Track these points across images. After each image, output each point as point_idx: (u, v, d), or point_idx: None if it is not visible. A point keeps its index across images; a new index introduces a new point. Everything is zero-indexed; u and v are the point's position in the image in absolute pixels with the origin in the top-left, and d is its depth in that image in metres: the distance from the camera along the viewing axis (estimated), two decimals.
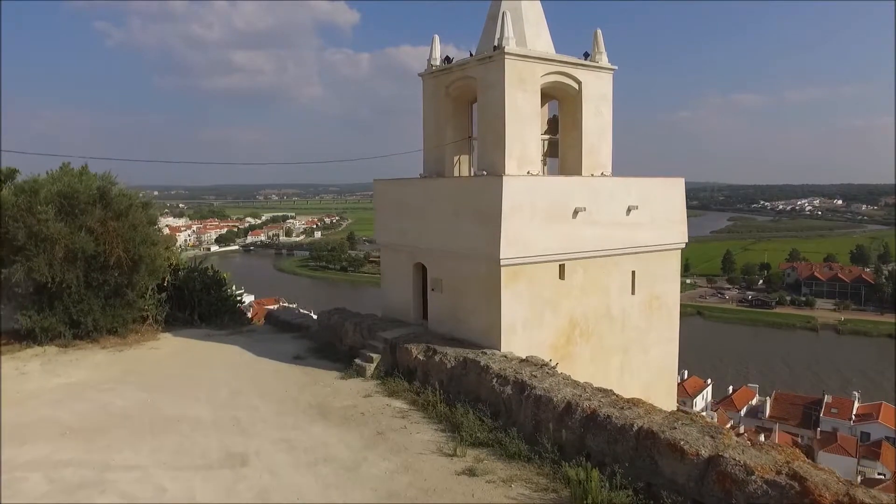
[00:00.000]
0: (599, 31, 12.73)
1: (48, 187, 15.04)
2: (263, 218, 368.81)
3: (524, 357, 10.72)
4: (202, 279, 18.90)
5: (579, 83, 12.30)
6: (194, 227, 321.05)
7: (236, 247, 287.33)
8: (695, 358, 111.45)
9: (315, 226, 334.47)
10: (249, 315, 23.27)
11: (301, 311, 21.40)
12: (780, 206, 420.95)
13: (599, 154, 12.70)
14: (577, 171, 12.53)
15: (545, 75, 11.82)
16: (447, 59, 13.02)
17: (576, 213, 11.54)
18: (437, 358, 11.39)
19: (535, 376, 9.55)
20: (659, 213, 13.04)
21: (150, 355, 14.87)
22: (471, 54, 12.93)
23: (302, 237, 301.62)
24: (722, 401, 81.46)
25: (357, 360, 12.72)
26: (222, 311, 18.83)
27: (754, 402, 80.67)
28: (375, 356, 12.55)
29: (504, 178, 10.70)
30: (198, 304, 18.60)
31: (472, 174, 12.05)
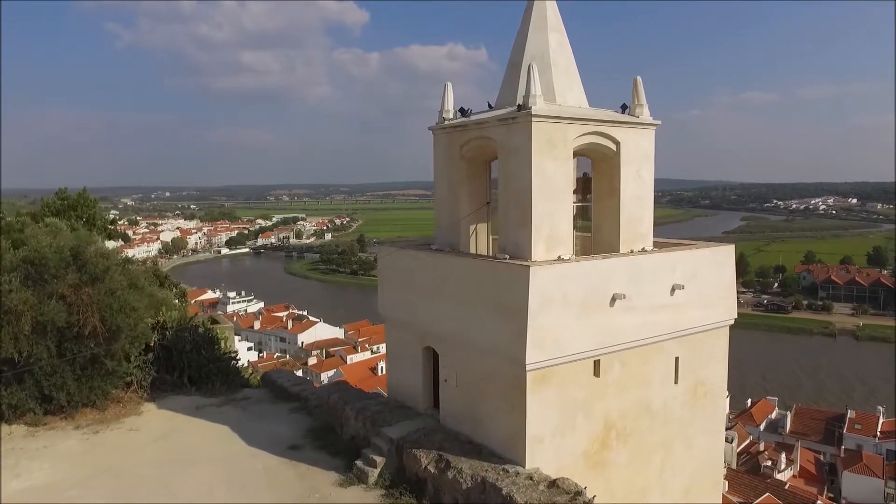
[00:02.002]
0: (639, 80, 10.93)
1: (11, 255, 13.43)
2: (274, 220, 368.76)
3: (553, 479, 8.98)
4: (192, 338, 17.25)
5: (617, 143, 10.50)
6: (205, 230, 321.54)
7: (247, 249, 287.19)
8: None
9: (325, 227, 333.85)
10: (246, 368, 21.72)
11: (298, 374, 19.66)
12: (794, 206, 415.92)
13: (640, 225, 10.89)
14: (613, 246, 10.74)
15: (579, 137, 10.03)
16: (462, 111, 11.26)
17: (614, 300, 9.77)
18: (450, 474, 9.66)
19: None
20: (706, 288, 11.25)
21: (128, 441, 13.20)
22: (489, 105, 11.16)
23: (312, 239, 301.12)
24: (741, 414, 79.15)
25: (358, 463, 11.01)
26: (214, 373, 17.16)
27: (774, 415, 78.33)
28: (380, 459, 10.83)
29: (531, 267, 8.95)
30: (187, 365, 16.96)
31: (492, 254, 10.29)
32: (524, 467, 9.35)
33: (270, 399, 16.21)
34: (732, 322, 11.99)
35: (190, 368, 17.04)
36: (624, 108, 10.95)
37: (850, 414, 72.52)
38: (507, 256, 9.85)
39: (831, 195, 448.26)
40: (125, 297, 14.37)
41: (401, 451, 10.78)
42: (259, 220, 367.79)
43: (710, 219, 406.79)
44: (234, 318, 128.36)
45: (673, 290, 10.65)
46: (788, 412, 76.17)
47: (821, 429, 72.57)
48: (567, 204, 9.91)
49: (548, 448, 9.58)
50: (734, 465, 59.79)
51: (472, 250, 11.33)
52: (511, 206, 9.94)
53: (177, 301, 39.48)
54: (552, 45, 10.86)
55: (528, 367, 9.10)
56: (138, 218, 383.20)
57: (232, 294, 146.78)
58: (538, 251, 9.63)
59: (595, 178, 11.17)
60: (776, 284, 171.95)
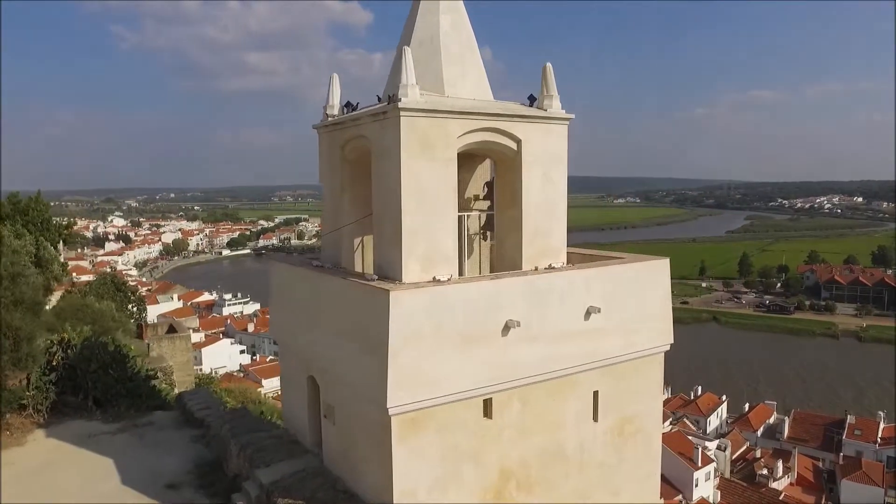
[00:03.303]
0: (550, 67, 9.32)
1: None
2: (276, 221, 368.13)
3: None
4: (99, 356, 15.77)
5: (518, 141, 8.91)
6: (206, 231, 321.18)
7: (248, 251, 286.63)
8: (710, 369, 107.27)
9: None
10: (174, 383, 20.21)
11: (214, 395, 18.16)
12: (799, 205, 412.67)
13: (549, 237, 9.28)
14: (516, 262, 9.15)
15: (466, 134, 8.44)
16: (348, 106, 9.72)
17: (507, 328, 8.21)
18: None
19: None
20: (633, 310, 9.66)
21: None
22: (378, 99, 9.62)
23: (314, 240, 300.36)
24: (738, 419, 77.47)
25: None
26: (122, 394, 15.68)
27: (772, 420, 76.60)
28: None
29: (392, 293, 7.38)
30: (92, 386, 15.50)
31: (364, 275, 8.74)
32: None
33: (176, 424, 14.72)
34: (668, 348, 10.39)
35: (95, 389, 15.59)
36: (532, 99, 9.36)
37: (850, 419, 70.72)
38: (376, 277, 8.29)
39: (837, 194, 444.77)
40: (7, 318, 12.95)
41: (270, 498, 9.25)
42: (262, 222, 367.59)
43: (714, 218, 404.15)
44: (229, 321, 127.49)
45: (588, 313, 9.06)
46: (787, 417, 74.42)
47: (820, 434, 70.78)
48: (450, 215, 8.32)
49: None
50: (727, 475, 58.10)
51: (359, 268, 9.78)
52: (383, 218, 8.38)
53: (133, 308, 38.27)
54: (443, 28, 9.28)
55: (391, 411, 7.54)
56: (141, 219, 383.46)
57: (228, 296, 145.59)
58: (411, 271, 8.06)
59: (497, 183, 9.59)
60: (779, 285, 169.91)
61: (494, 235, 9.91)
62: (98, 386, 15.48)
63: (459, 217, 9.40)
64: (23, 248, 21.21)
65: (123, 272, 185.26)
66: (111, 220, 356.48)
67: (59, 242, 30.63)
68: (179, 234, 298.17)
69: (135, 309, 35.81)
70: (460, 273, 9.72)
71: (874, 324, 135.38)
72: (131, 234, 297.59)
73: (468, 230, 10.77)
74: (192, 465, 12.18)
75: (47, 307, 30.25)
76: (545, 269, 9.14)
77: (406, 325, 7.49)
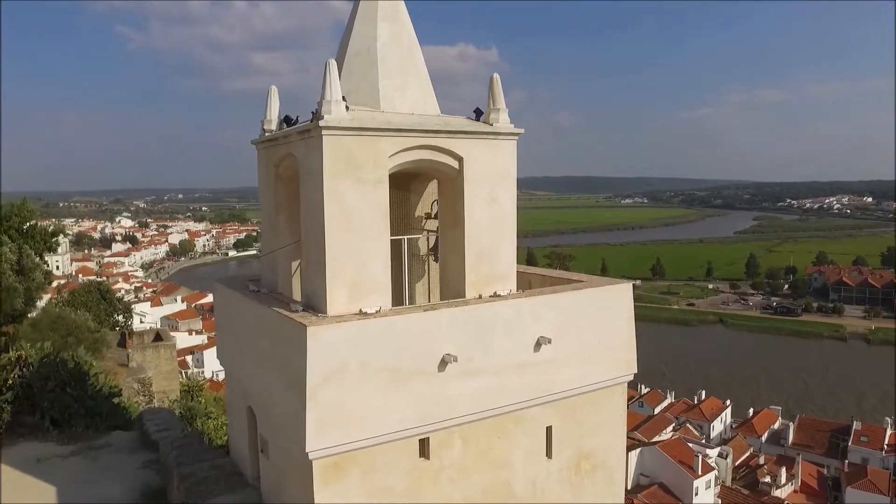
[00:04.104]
0: (497, 78, 8.68)
1: None
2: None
3: None
4: (57, 374, 15.26)
5: (460, 160, 8.29)
6: (213, 232, 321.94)
7: (255, 251, 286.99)
8: (715, 373, 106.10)
9: None
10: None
11: (176, 414, 17.62)
12: (808, 205, 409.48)
13: (495, 262, 8.64)
14: (459, 289, 8.52)
15: (399, 153, 7.82)
16: (286, 121, 9.13)
17: (444, 364, 7.59)
18: None
19: None
20: (590, 339, 9.01)
21: None
22: (312, 115, 9.00)
23: None
24: (742, 425, 76.46)
25: None
26: (81, 413, 15.17)
27: (777, 426, 75.55)
28: None
29: (310, 328, 6.78)
30: (49, 406, 14.99)
31: (292, 303, 8.12)
32: None
33: (132, 447, 14.17)
34: (631, 378, 9.74)
35: (52, 409, 15.07)
36: (478, 113, 8.73)
37: (856, 425, 69.56)
38: (300, 308, 7.69)
39: (846, 194, 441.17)
40: None
41: None
42: None
43: (723, 218, 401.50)
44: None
45: (538, 344, 8.43)
46: (791, 423, 73.34)
47: (825, 441, 69.68)
48: (380, 239, 7.70)
49: None
50: (729, 482, 57.19)
51: (297, 294, 9.18)
52: (309, 244, 7.78)
53: (119, 317, 37.82)
54: (381, 38, 8.65)
55: (311, 455, 6.94)
56: (149, 220, 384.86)
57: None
58: (337, 301, 7.45)
59: (440, 203, 8.95)
60: (786, 286, 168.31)
61: (438, 259, 9.29)
62: (55, 405, 14.97)
63: (399, 240, 8.81)
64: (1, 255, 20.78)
65: (129, 273, 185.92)
66: (119, 221, 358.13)
67: (43, 251, 30.19)
68: (186, 235, 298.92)
69: (120, 317, 35.42)
70: (405, 299, 9.14)
71: (883, 326, 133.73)
72: (138, 235, 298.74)
73: (420, 251, 10.19)
74: (139, 493, 11.64)
75: (31, 314, 29.84)
76: (490, 296, 8.51)
77: (326, 362, 6.89)
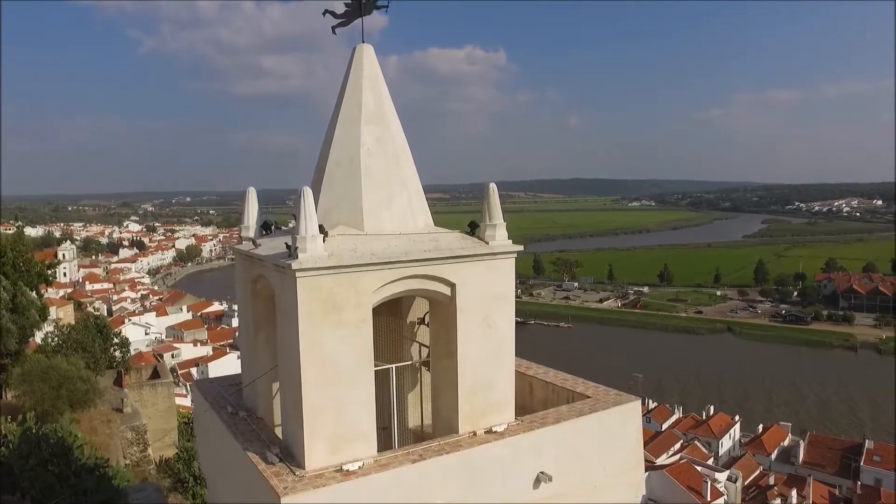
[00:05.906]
0: (493, 188, 7.96)
1: None
2: (290, 225, 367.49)
3: None
4: (38, 452, 14.62)
5: (452, 286, 7.57)
6: (220, 237, 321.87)
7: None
8: (723, 385, 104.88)
9: None
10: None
11: (163, 490, 16.94)
12: (816, 208, 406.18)
13: (490, 392, 7.90)
14: (452, 424, 7.80)
15: (385, 286, 7.13)
16: (265, 227, 8.45)
17: None
18: None
19: None
20: (596, 468, 8.29)
21: None
22: (287, 246, 8.23)
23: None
24: (751, 441, 75.20)
25: None
26: (63, 492, 14.52)
27: (786, 442, 74.30)
28: None
29: (283, 498, 6.09)
30: (30, 486, 14.35)
31: (269, 445, 7.41)
32: None
33: None
34: (639, 501, 9.00)
35: (33, 489, 14.42)
36: (473, 227, 8.02)
37: (869, 444, 68.16)
38: (279, 457, 6.98)
39: (855, 196, 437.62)
40: None
41: None
42: None
43: (731, 221, 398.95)
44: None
45: (538, 481, 7.71)
46: (802, 440, 72.08)
47: (836, 460, 68.35)
48: (364, 385, 6.98)
49: None
50: None
51: (278, 419, 8.47)
52: (286, 388, 7.10)
53: (116, 352, 37.20)
54: (366, 145, 7.92)
55: None
56: (156, 224, 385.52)
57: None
58: (316, 455, 6.74)
59: (431, 328, 8.24)
60: (795, 293, 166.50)
61: (431, 389, 8.55)
62: (36, 485, 14.34)
63: (387, 370, 8.08)
64: None
65: (136, 280, 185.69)
66: (126, 226, 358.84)
67: (36, 285, 29.68)
68: (193, 240, 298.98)
69: (117, 353, 34.85)
70: (394, 427, 8.41)
71: (893, 335, 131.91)
72: (145, 240, 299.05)
73: (412, 357, 9.46)
74: None
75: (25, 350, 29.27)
76: (485, 431, 7.78)
77: None
